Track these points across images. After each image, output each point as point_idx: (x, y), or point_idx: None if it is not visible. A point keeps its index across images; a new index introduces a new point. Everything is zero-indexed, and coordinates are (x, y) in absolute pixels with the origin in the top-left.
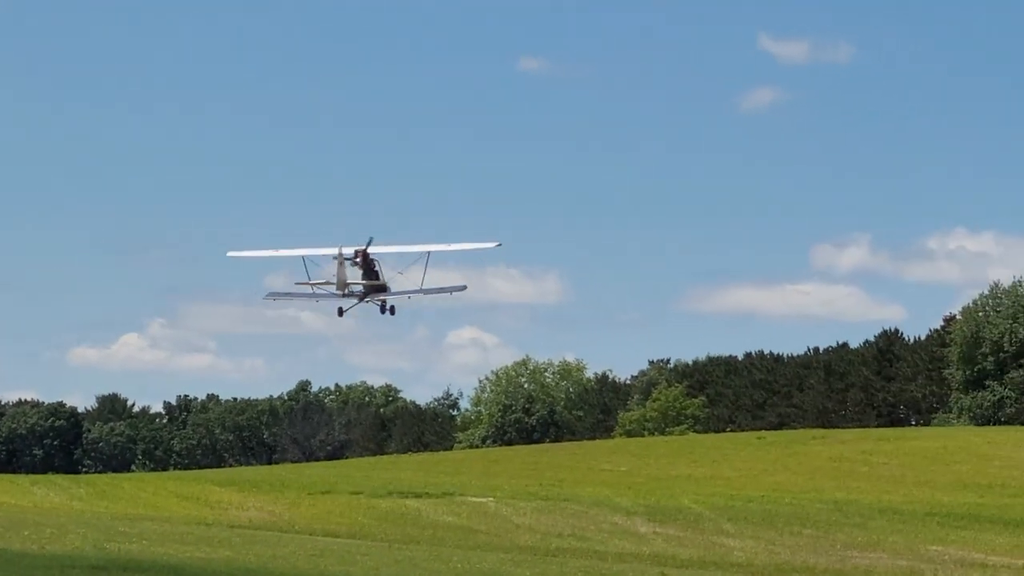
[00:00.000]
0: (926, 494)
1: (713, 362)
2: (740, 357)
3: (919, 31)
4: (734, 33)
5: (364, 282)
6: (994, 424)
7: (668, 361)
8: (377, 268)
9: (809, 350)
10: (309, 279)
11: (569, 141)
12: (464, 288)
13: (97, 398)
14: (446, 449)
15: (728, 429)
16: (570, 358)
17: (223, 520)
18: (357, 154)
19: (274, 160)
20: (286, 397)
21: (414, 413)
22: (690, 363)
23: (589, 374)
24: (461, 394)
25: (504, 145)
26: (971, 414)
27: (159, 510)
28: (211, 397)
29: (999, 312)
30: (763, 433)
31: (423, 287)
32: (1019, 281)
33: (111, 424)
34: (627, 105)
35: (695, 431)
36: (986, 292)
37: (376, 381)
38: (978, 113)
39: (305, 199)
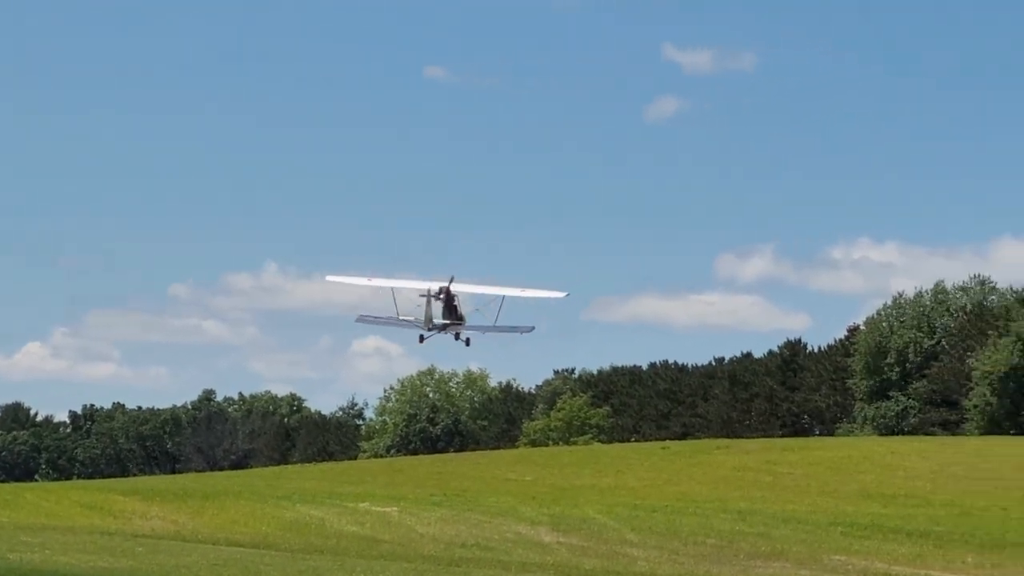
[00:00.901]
0: (830, 504)
1: (618, 372)
2: (645, 367)
3: (822, 40)
4: (639, 43)
5: (446, 320)
6: (897, 434)
7: (573, 371)
8: (456, 303)
9: (714, 360)
10: (397, 310)
11: (476, 150)
12: (532, 329)
13: (0, 407)
14: (351, 459)
15: (632, 439)
16: (475, 368)
17: (126, 529)
18: (257, 155)
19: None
20: (190, 406)
21: (318, 422)
22: (595, 373)
23: (493, 383)
24: (366, 404)
25: (411, 151)
26: (875, 424)
27: (62, 519)
28: (117, 406)
29: (903, 322)
30: (667, 443)
31: (496, 324)
32: (922, 292)
33: (14, 433)
34: (533, 114)
35: (599, 441)
36: (889, 302)
37: (280, 390)
38: (882, 122)
39: (192, 199)
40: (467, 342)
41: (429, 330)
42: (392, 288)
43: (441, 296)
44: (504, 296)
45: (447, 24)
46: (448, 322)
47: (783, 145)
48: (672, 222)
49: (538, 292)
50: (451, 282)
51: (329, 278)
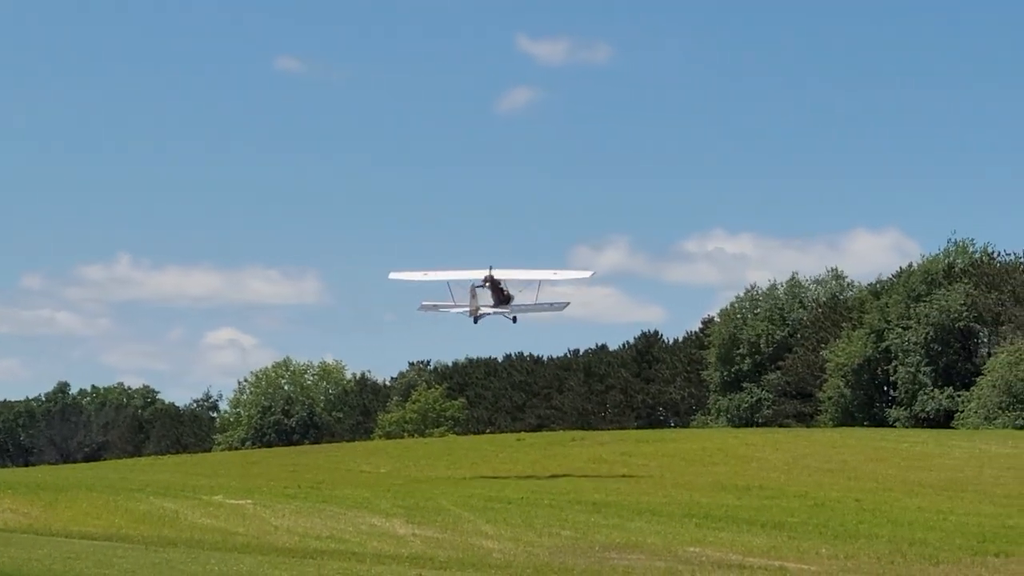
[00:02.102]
0: (684, 495)
1: (473, 364)
2: (500, 359)
3: (677, 31)
4: (492, 33)
5: (492, 305)
6: (751, 426)
7: (428, 363)
8: (503, 287)
9: (569, 352)
10: (453, 300)
11: (326, 141)
12: (568, 304)
13: None
14: (205, 451)
15: (488, 431)
16: (329, 359)
17: None
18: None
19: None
20: (44, 398)
21: (172, 415)
22: (450, 365)
23: (349, 375)
24: (221, 396)
25: (261, 144)
26: (729, 416)
27: None
28: None
29: (757, 314)
30: (522, 435)
31: (537, 301)
32: (776, 283)
33: None
34: (384, 105)
35: (455, 433)
36: (743, 294)
37: (134, 382)
38: (736, 115)
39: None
40: (514, 320)
41: (480, 314)
42: (447, 281)
43: (487, 284)
44: (540, 280)
45: (298, 14)
46: (497, 306)
47: (637, 136)
48: (525, 214)
49: (569, 274)
50: (491, 270)
51: (392, 275)
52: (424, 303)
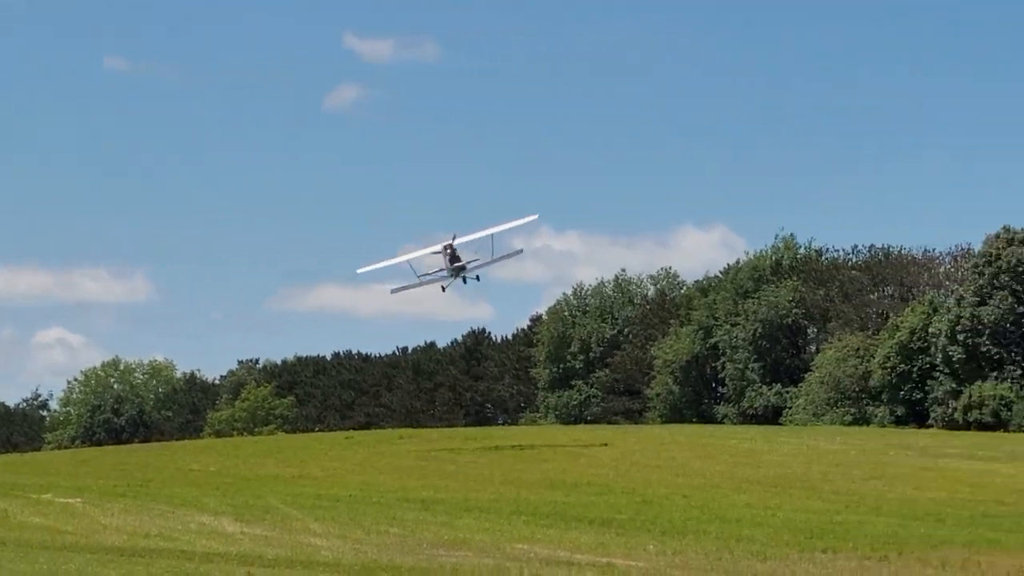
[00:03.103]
0: (513, 493)
1: (302, 362)
2: (329, 357)
3: (505, 29)
4: (320, 31)
5: (453, 271)
6: (581, 423)
7: (257, 361)
8: (458, 254)
9: (397, 350)
10: (417, 276)
11: (155, 140)
12: (521, 252)
13: None
14: (35, 450)
15: (317, 429)
16: (159, 358)
17: None
18: None
19: None
20: None
21: (2, 414)
22: (279, 363)
23: (178, 374)
24: (51, 395)
25: (89, 144)
26: (558, 413)
27: None
28: None
29: (586, 312)
30: (351, 433)
31: (493, 257)
32: (604, 281)
33: None
34: (212, 103)
35: (284, 431)
36: (571, 292)
37: None
38: (563, 112)
39: None
40: (477, 278)
41: (448, 277)
42: (409, 260)
43: (447, 252)
44: (492, 234)
45: (126, 14)
46: (456, 269)
47: (465, 134)
48: (353, 211)
49: (514, 222)
50: (454, 239)
51: (360, 270)
52: (394, 288)
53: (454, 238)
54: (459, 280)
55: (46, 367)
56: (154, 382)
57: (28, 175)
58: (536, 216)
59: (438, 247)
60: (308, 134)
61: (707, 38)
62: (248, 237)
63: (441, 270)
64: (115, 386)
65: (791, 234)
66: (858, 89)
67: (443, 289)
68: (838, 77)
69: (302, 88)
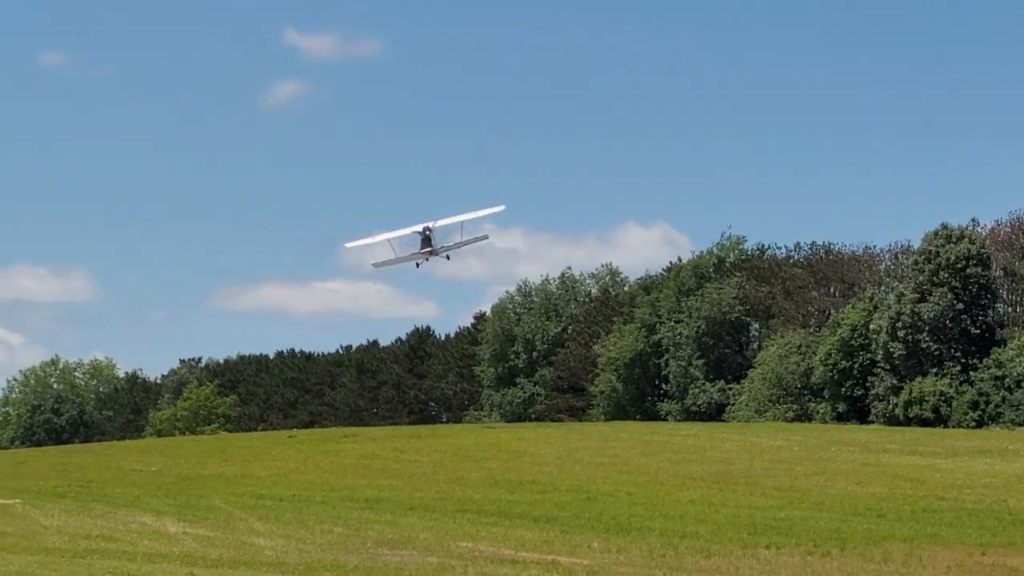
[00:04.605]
0: (457, 491)
1: (244, 361)
2: (272, 355)
3: (446, 25)
4: (260, 27)
5: (427, 250)
6: (525, 421)
7: (199, 360)
8: (431, 236)
9: (341, 348)
10: (395, 255)
11: (93, 138)
12: (487, 237)
13: None
14: None
15: (260, 428)
16: (100, 357)
17: None
18: None
19: None
20: None
21: None
22: (221, 362)
23: (120, 373)
24: None
25: (26, 140)
26: (502, 411)
27: None
28: None
29: (530, 309)
30: (295, 432)
31: (461, 241)
32: (548, 278)
33: None
34: (150, 99)
35: (227, 430)
36: (514, 289)
37: None
38: (506, 109)
39: None
40: (447, 257)
41: (423, 256)
42: (389, 239)
43: (424, 233)
44: (463, 221)
45: (61, 9)
46: (429, 251)
47: (404, 131)
48: (294, 209)
49: (485, 211)
50: (432, 222)
51: (348, 244)
52: (374, 262)
53: (434, 223)
54: (437, 267)
55: None
56: (95, 382)
57: None
58: (504, 207)
59: (419, 227)
60: (248, 131)
61: (652, 36)
62: (188, 234)
63: (418, 251)
64: (55, 386)
65: (741, 235)
66: (799, 88)
67: (417, 266)
68: (779, 76)
69: (242, 84)
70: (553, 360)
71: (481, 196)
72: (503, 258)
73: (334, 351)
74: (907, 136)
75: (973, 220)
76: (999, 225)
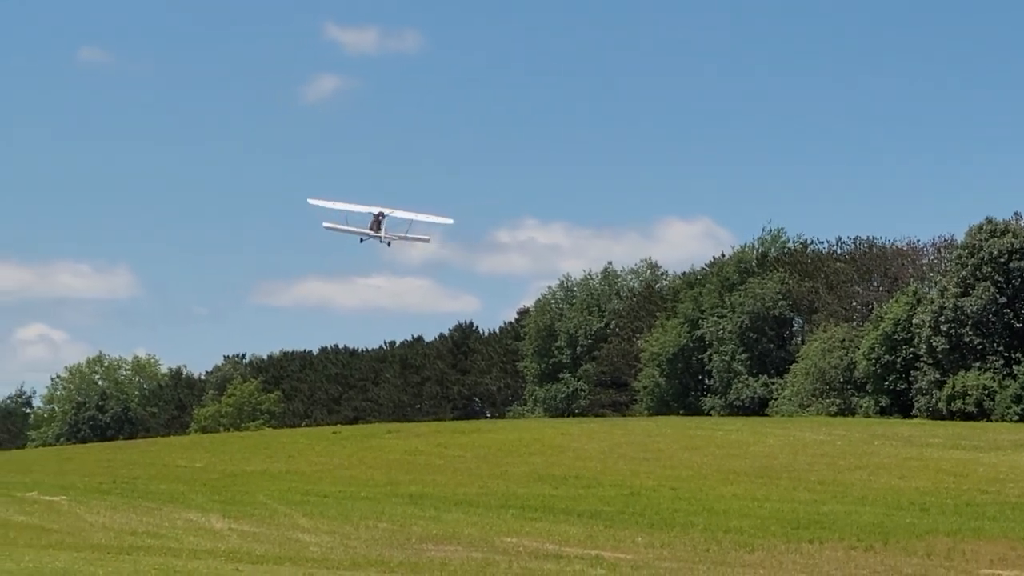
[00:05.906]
0: (501, 486)
1: (288, 357)
2: (315, 351)
3: (488, 19)
4: (300, 22)
5: (375, 232)
6: (568, 416)
7: (243, 356)
8: (381, 222)
9: (384, 344)
10: (347, 225)
11: (136, 135)
12: (428, 240)
13: None
14: (19, 448)
15: (304, 424)
16: (143, 354)
17: None
18: None
19: None
20: None
21: None
22: (265, 358)
23: (163, 370)
24: (34, 392)
25: (68, 137)
26: (545, 406)
27: None
28: None
29: (573, 305)
30: (339, 427)
31: (406, 235)
32: (591, 273)
33: None
34: (192, 95)
35: (271, 426)
36: (556, 284)
37: None
38: (548, 104)
39: None
40: (388, 244)
41: (367, 238)
42: (346, 211)
43: (377, 217)
44: (412, 220)
45: (100, 4)
46: (374, 233)
47: (447, 125)
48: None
49: (433, 217)
50: (388, 210)
51: (311, 201)
52: (326, 224)
53: (389, 211)
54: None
55: (28, 364)
56: (139, 378)
57: (5, 169)
58: (452, 221)
59: (376, 210)
60: (288, 126)
61: (692, 31)
62: (231, 230)
63: (366, 229)
64: (99, 382)
65: (780, 227)
66: (843, 82)
67: (360, 240)
68: (823, 71)
69: (282, 78)
70: (596, 355)
71: (523, 190)
72: (545, 253)
73: (377, 347)
74: (952, 129)
75: (1016, 214)
76: None
